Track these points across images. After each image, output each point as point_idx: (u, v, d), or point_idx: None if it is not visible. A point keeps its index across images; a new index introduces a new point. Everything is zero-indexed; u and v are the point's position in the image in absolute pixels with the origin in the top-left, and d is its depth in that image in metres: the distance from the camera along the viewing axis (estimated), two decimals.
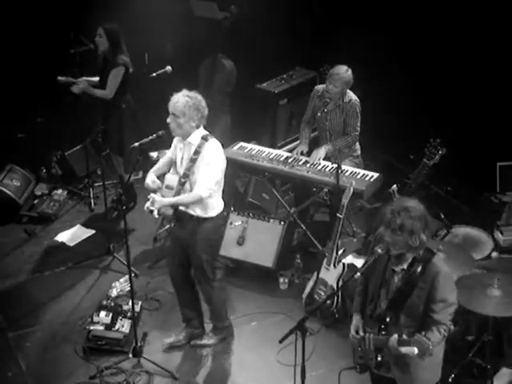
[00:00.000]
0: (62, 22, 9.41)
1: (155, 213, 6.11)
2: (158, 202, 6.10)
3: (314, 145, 8.06)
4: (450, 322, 4.92)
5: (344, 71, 7.61)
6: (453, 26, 8.34)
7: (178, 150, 6.31)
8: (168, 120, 6.14)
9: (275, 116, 9.05)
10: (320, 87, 7.92)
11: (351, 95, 7.77)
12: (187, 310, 6.78)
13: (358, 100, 7.77)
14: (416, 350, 4.76)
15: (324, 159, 7.73)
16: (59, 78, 8.24)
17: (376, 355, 5.08)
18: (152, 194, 6.15)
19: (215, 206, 6.31)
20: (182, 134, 6.17)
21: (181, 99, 6.08)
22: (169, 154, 6.47)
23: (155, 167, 6.47)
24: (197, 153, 6.13)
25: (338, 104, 7.74)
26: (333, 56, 7.97)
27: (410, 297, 4.95)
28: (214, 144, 6.19)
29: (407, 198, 5.13)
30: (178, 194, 6.20)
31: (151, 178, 6.33)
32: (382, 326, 5.03)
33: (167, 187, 6.25)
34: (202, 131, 6.20)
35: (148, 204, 6.13)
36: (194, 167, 6.14)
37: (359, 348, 5.17)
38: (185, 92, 6.15)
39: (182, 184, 6.19)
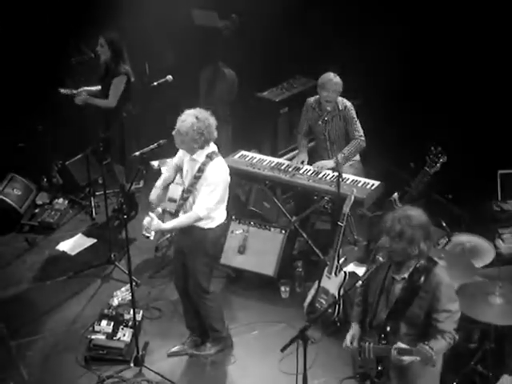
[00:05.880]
0: (62, 31, 9.43)
1: (151, 238, 6.13)
2: (156, 227, 6.08)
3: (310, 155, 8.05)
4: (454, 330, 4.93)
5: (334, 76, 7.64)
6: (453, 33, 8.36)
7: (184, 161, 6.31)
8: (173, 133, 6.12)
9: (276, 124, 9.07)
10: (312, 99, 7.93)
11: (345, 101, 7.80)
12: (191, 318, 6.78)
13: (352, 104, 7.79)
14: (418, 359, 4.78)
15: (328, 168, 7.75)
16: (61, 90, 8.25)
17: (377, 364, 5.09)
18: (151, 215, 6.11)
19: (216, 218, 6.29)
20: (186, 149, 6.18)
21: (188, 119, 6.01)
22: (175, 159, 6.45)
23: (161, 181, 6.44)
24: (201, 170, 6.12)
25: (335, 113, 7.75)
26: (333, 64, 7.97)
27: (411, 306, 4.95)
28: (217, 164, 6.16)
29: (411, 207, 5.12)
30: (180, 207, 6.21)
31: (156, 195, 6.33)
32: (382, 335, 5.04)
33: (170, 200, 6.25)
34: (208, 149, 6.15)
35: (143, 231, 6.11)
36: (197, 184, 6.14)
37: (359, 357, 5.17)
38: (196, 112, 6.07)
39: (184, 199, 6.21)
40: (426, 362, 4.78)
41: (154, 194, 6.35)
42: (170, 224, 6.18)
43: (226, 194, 6.29)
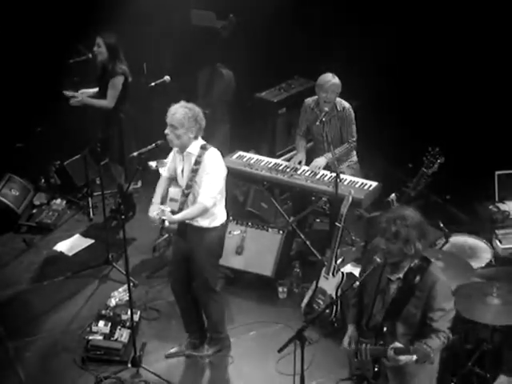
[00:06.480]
0: (60, 32, 9.43)
1: (166, 223, 6.10)
2: (169, 217, 6.08)
3: (309, 155, 8.06)
4: (448, 329, 4.95)
5: (332, 77, 7.63)
6: (451, 34, 8.36)
7: (177, 163, 6.32)
8: (166, 131, 6.14)
9: (274, 125, 9.06)
10: (310, 100, 7.93)
11: (343, 103, 7.79)
12: (189, 320, 6.78)
13: (350, 106, 7.80)
14: (415, 357, 4.79)
15: (324, 168, 7.75)
16: (65, 92, 8.23)
17: (373, 365, 5.09)
18: (162, 207, 6.12)
19: (218, 216, 6.31)
20: (180, 145, 6.18)
21: (179, 110, 6.08)
22: (165, 173, 6.48)
23: (156, 197, 6.40)
24: (197, 163, 6.15)
25: (332, 114, 7.75)
26: (331, 65, 7.98)
27: (407, 306, 4.96)
28: (213, 153, 6.20)
29: (404, 207, 5.16)
30: (182, 205, 6.21)
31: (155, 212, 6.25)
32: (379, 336, 5.04)
33: (171, 200, 6.25)
34: (200, 141, 6.21)
35: (159, 214, 6.07)
36: (196, 177, 6.15)
37: (356, 359, 5.18)
38: (183, 103, 6.15)
39: (185, 195, 6.21)
40: (425, 359, 4.79)
41: (152, 212, 6.23)
42: (179, 215, 6.17)
43: (224, 188, 6.31)
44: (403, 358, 4.85)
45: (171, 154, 6.43)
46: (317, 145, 8.04)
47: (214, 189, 6.15)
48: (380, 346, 5.02)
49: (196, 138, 6.17)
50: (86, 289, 7.72)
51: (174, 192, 6.27)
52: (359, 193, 7.34)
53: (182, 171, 6.27)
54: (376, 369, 5.10)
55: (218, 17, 9.70)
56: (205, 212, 6.18)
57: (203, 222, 6.26)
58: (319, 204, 7.97)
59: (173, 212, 6.19)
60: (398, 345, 4.90)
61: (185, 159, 6.24)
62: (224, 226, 6.46)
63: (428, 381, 5.21)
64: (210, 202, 6.13)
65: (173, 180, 6.41)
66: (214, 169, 6.15)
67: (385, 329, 5.04)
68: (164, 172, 6.51)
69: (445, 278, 5.03)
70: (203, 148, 6.18)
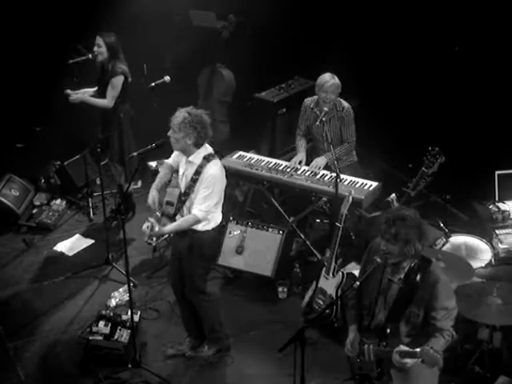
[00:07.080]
0: (60, 32, 9.43)
1: (154, 243, 6.14)
2: (157, 232, 6.08)
3: (309, 155, 8.06)
4: (452, 328, 4.96)
5: (332, 77, 7.63)
6: (451, 33, 8.36)
7: (181, 164, 6.30)
8: (168, 133, 6.13)
9: (274, 125, 9.06)
10: (310, 100, 7.93)
11: (343, 103, 7.79)
12: (188, 320, 6.78)
13: (350, 106, 7.79)
14: (420, 360, 4.79)
15: (324, 168, 7.74)
16: (67, 91, 8.22)
17: (377, 366, 5.08)
18: (152, 220, 6.12)
19: (212, 220, 6.28)
20: (180, 148, 6.16)
21: (180, 115, 6.04)
22: (170, 161, 6.46)
23: (157, 181, 6.43)
24: (198, 173, 6.11)
25: (332, 114, 7.75)
26: (331, 65, 7.98)
27: (409, 306, 4.96)
28: (214, 166, 6.15)
29: (403, 207, 5.16)
30: (178, 210, 6.22)
31: (152, 199, 6.30)
32: (382, 337, 5.04)
33: (168, 203, 6.25)
34: (204, 150, 6.15)
35: (145, 238, 6.10)
36: (195, 187, 6.14)
37: (358, 359, 5.17)
38: (188, 109, 6.10)
39: (182, 202, 6.21)
40: (433, 364, 4.80)
41: (151, 198, 6.32)
42: (170, 227, 6.18)
43: (222, 197, 6.30)
44: (409, 360, 4.86)
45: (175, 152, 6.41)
46: (317, 145, 8.04)
47: (209, 203, 6.13)
48: (384, 347, 5.02)
49: (197, 145, 6.11)
50: (86, 289, 7.71)
51: (172, 194, 6.26)
52: (359, 193, 7.34)
53: (183, 175, 6.26)
54: (379, 369, 5.09)
55: (218, 17, 9.71)
56: (197, 223, 6.18)
57: (196, 226, 6.25)
58: (319, 204, 7.96)
59: (168, 216, 6.21)
60: (403, 348, 4.90)
61: (187, 165, 6.22)
62: (217, 228, 6.41)
63: (431, 380, 5.21)
64: (202, 215, 6.12)
65: (174, 172, 6.38)
66: (212, 184, 6.10)
67: (388, 330, 5.04)
68: (169, 160, 6.49)
69: (446, 276, 5.04)
70: (206, 159, 6.13)
